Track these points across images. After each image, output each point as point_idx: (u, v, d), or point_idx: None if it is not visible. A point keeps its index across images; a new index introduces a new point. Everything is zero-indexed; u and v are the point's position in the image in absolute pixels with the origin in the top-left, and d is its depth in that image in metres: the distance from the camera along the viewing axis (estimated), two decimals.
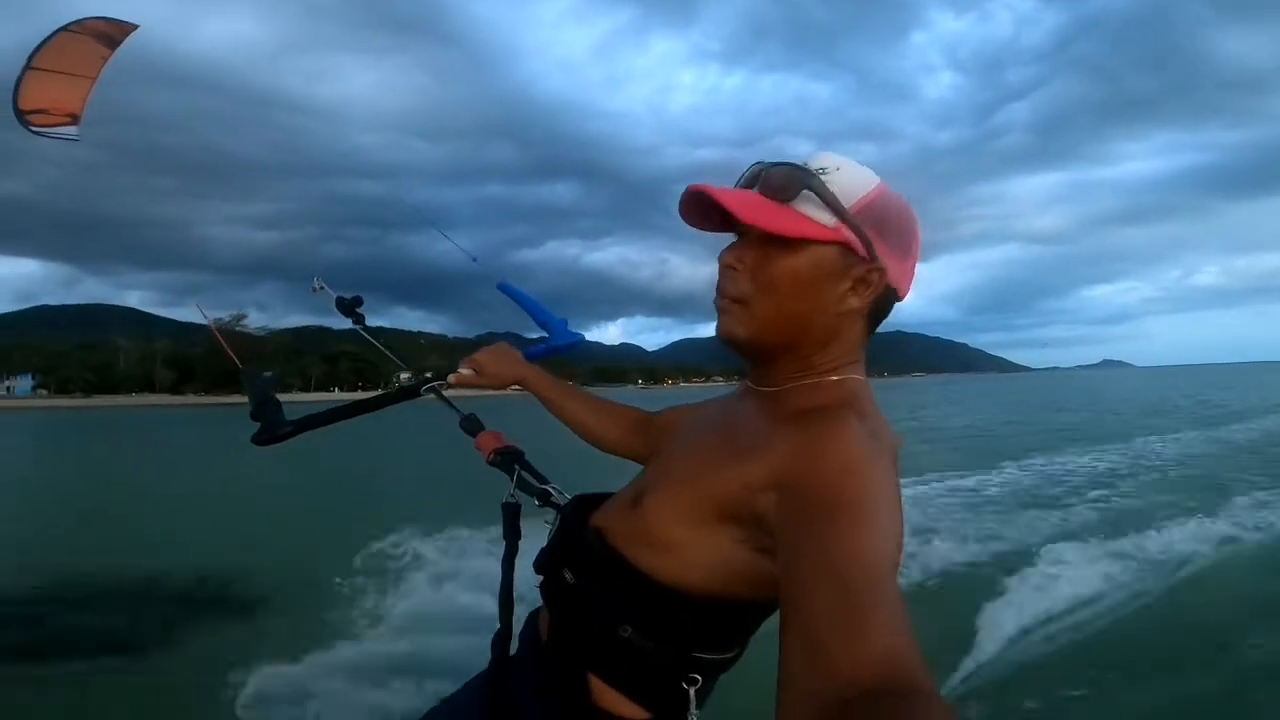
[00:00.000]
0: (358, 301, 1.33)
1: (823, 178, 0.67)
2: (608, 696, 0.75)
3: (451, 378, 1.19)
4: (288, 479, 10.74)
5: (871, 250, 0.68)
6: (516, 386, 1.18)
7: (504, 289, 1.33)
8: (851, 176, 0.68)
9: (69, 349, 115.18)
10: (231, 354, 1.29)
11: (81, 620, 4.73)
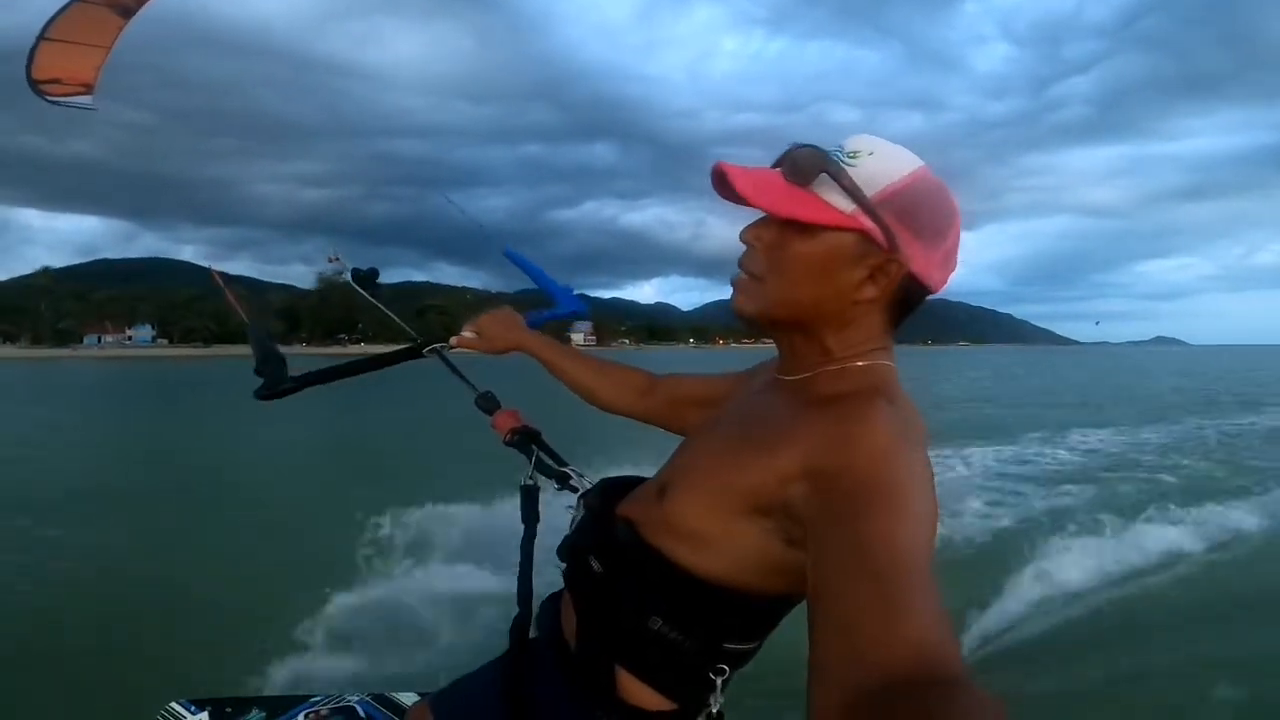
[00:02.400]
0: (374, 273, 1.30)
1: (851, 162, 0.64)
2: (634, 688, 0.74)
3: (454, 340, 1.18)
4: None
5: (892, 240, 0.64)
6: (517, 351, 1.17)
7: (510, 256, 1.32)
8: (882, 162, 0.65)
9: (187, 299, 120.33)
10: (239, 310, 1.28)
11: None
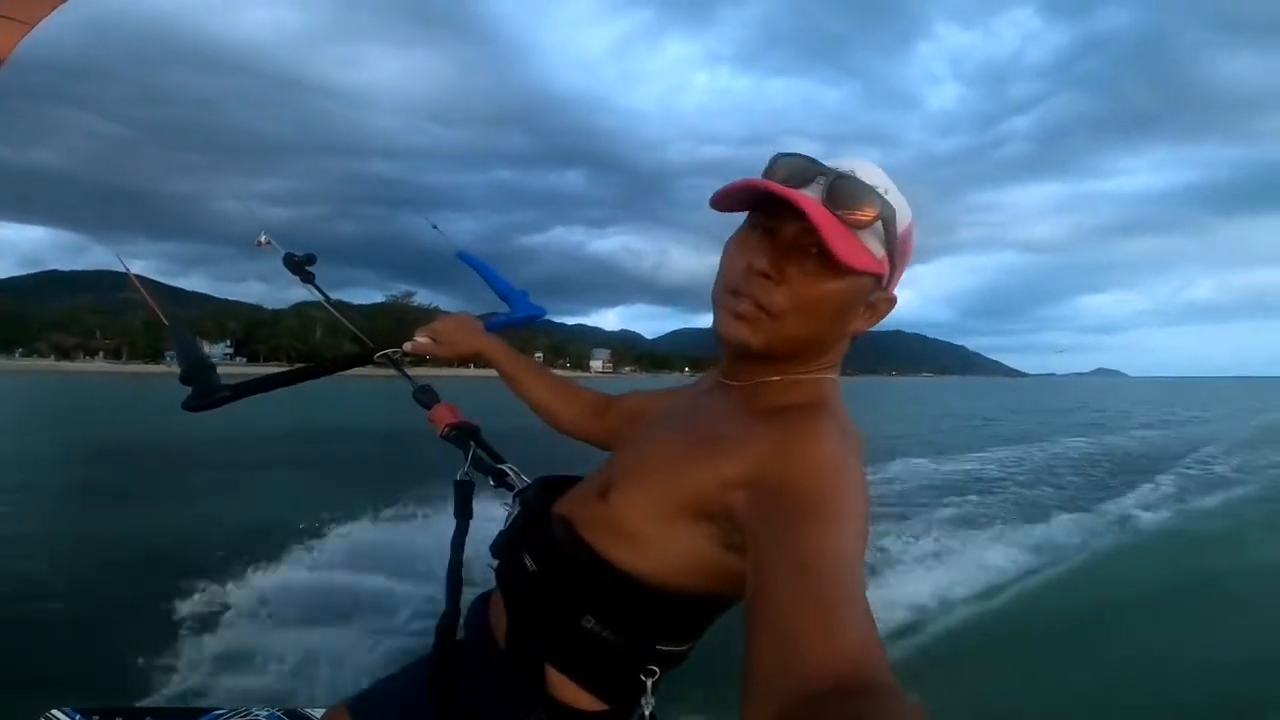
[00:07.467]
0: (309, 259, 1.20)
1: (887, 199, 0.62)
2: (565, 687, 0.72)
3: (408, 345, 1.10)
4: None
5: (894, 281, 0.66)
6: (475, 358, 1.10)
7: (464, 259, 1.28)
8: (900, 204, 0.64)
9: (270, 318, 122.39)
10: (157, 310, 1.17)
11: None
